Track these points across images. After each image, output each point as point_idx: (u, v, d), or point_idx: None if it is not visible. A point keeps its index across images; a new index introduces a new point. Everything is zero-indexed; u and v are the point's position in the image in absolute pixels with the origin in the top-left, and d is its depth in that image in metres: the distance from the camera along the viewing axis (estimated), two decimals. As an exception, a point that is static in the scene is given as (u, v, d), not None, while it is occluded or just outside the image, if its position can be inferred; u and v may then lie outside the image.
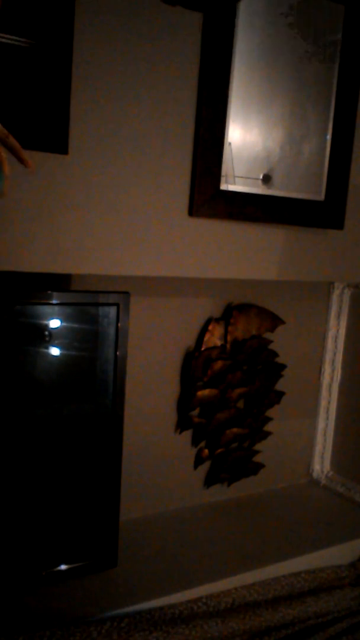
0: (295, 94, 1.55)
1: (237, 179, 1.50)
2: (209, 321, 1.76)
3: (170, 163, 1.40)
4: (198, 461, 1.82)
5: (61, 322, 1.34)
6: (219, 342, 1.77)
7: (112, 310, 1.37)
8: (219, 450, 1.83)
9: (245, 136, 1.50)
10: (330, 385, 2.05)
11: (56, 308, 1.33)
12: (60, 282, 1.44)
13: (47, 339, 1.33)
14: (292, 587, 1.57)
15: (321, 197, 1.65)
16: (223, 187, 1.48)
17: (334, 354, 2.04)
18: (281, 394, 1.92)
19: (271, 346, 1.88)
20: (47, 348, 1.34)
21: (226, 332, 1.77)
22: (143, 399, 1.67)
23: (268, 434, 1.93)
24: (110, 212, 1.34)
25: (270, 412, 1.92)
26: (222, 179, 1.47)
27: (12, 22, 1.16)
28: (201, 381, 1.75)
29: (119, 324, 1.37)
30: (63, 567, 1.40)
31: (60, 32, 1.20)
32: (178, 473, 1.80)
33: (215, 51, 1.40)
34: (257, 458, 1.92)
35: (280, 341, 1.89)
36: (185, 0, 0.86)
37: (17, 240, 1.24)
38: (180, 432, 1.77)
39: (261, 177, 1.55)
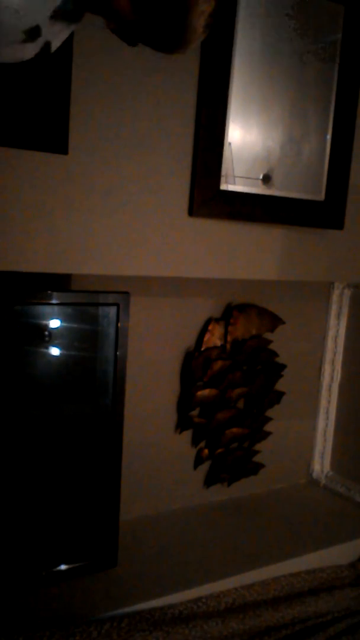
0: (295, 94, 1.55)
1: (237, 179, 1.50)
2: (209, 321, 1.76)
3: (170, 163, 1.40)
4: (198, 461, 1.82)
5: (61, 322, 1.34)
6: (219, 342, 1.77)
7: (112, 310, 1.37)
8: (219, 450, 1.83)
9: (245, 136, 1.50)
10: (330, 385, 2.05)
11: (56, 308, 1.33)
12: (60, 282, 1.44)
13: (47, 339, 1.33)
14: (292, 587, 1.57)
15: (321, 197, 1.65)
16: (223, 187, 1.47)
17: (334, 354, 2.04)
18: (281, 394, 1.92)
19: (271, 346, 1.88)
20: (47, 348, 1.34)
21: (226, 332, 1.77)
22: (143, 399, 1.67)
23: (268, 434, 1.93)
24: (110, 212, 1.34)
25: (270, 412, 1.92)
26: (222, 179, 1.47)
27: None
28: (201, 381, 1.75)
29: (119, 324, 1.37)
30: (63, 567, 1.40)
31: (60, 32, 1.20)
32: (178, 473, 1.80)
33: (215, 51, 1.40)
34: (257, 458, 1.92)
35: (280, 341, 1.89)
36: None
37: (17, 240, 1.24)
38: (180, 432, 1.77)
39: (261, 177, 1.55)
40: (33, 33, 0.83)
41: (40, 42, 0.86)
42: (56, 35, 0.89)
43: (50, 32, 0.86)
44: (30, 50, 0.87)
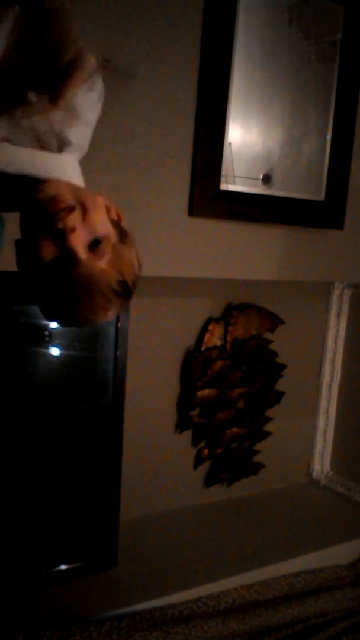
0: (295, 94, 1.55)
1: (237, 179, 1.50)
2: (209, 321, 1.76)
3: (170, 163, 1.40)
4: (198, 461, 1.82)
5: (61, 322, 1.34)
6: (219, 342, 1.77)
7: (112, 310, 1.37)
8: (219, 450, 1.83)
9: (245, 136, 1.50)
10: (330, 385, 2.05)
11: (56, 308, 1.33)
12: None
13: (47, 339, 1.33)
14: (292, 587, 1.57)
15: (321, 197, 1.65)
16: (223, 187, 1.47)
17: (334, 354, 2.04)
18: (281, 394, 1.92)
19: (271, 346, 1.87)
20: (47, 348, 1.34)
21: (226, 332, 1.77)
22: (143, 399, 1.67)
23: (268, 434, 1.93)
24: (110, 212, 1.34)
25: (270, 412, 1.92)
26: (222, 179, 1.47)
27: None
28: (201, 381, 1.75)
29: (119, 324, 1.37)
30: (63, 567, 1.40)
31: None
32: (178, 473, 1.80)
33: (215, 51, 1.40)
34: (257, 458, 1.92)
35: (280, 341, 1.89)
36: None
37: (17, 240, 1.24)
38: (180, 432, 1.77)
39: (261, 177, 1.55)
40: None
41: None
42: None
43: None
44: None
